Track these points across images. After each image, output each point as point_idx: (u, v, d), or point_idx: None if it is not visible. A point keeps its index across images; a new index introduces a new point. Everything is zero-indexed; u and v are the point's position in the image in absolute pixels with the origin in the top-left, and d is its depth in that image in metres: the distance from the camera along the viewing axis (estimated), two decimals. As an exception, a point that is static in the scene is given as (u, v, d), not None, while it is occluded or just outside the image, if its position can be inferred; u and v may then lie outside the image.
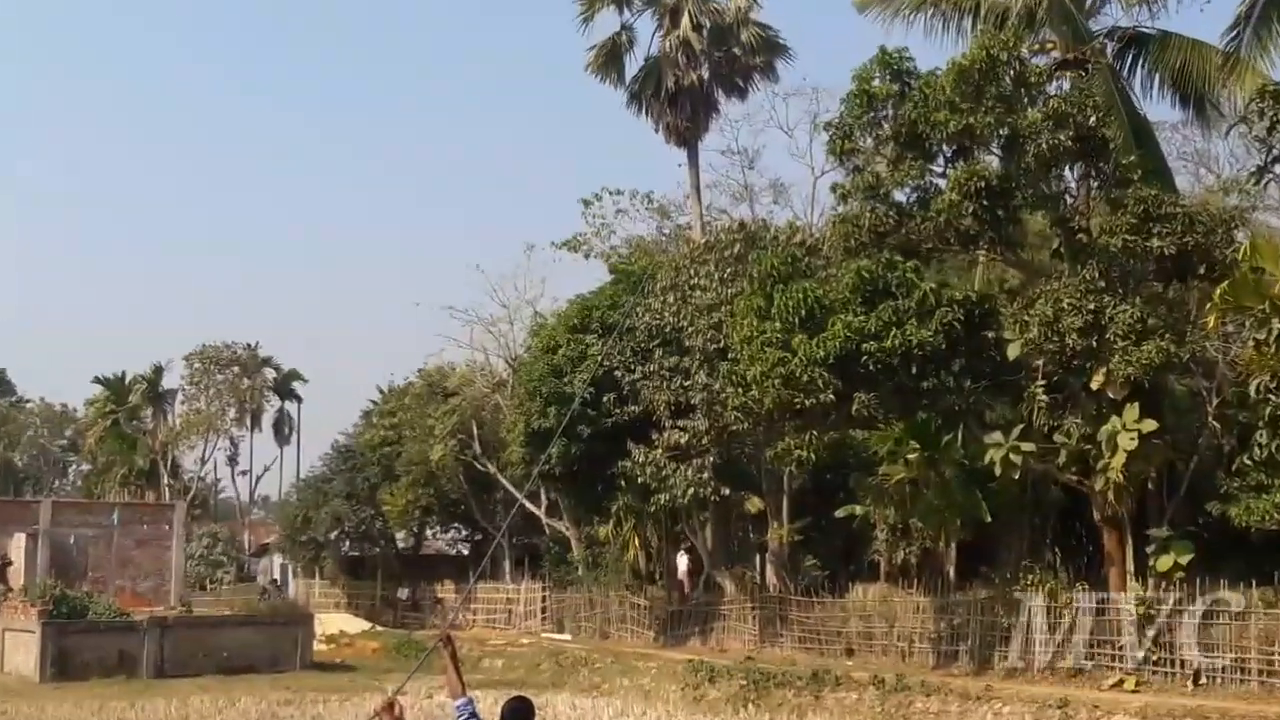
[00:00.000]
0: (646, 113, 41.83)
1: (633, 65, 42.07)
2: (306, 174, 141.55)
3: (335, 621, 46.25)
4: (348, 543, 52.75)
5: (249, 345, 68.06)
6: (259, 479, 77.92)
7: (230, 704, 27.49)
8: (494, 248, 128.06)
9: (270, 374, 70.37)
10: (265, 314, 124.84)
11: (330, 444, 56.52)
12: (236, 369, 66.61)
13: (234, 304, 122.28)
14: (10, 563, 42.13)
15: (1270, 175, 15.81)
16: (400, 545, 53.91)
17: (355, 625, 46.70)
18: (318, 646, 40.31)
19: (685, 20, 40.49)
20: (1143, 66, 30.45)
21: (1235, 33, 27.49)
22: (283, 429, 75.29)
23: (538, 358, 38.74)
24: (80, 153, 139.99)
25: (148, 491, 62.57)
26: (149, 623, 36.84)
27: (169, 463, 66.44)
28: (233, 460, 72.94)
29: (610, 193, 46.88)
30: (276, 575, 60.23)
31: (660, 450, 32.73)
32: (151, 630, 36.43)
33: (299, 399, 74.99)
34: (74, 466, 79.45)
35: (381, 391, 54.56)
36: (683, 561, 37.34)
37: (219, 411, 66.38)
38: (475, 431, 44.44)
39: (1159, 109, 31.06)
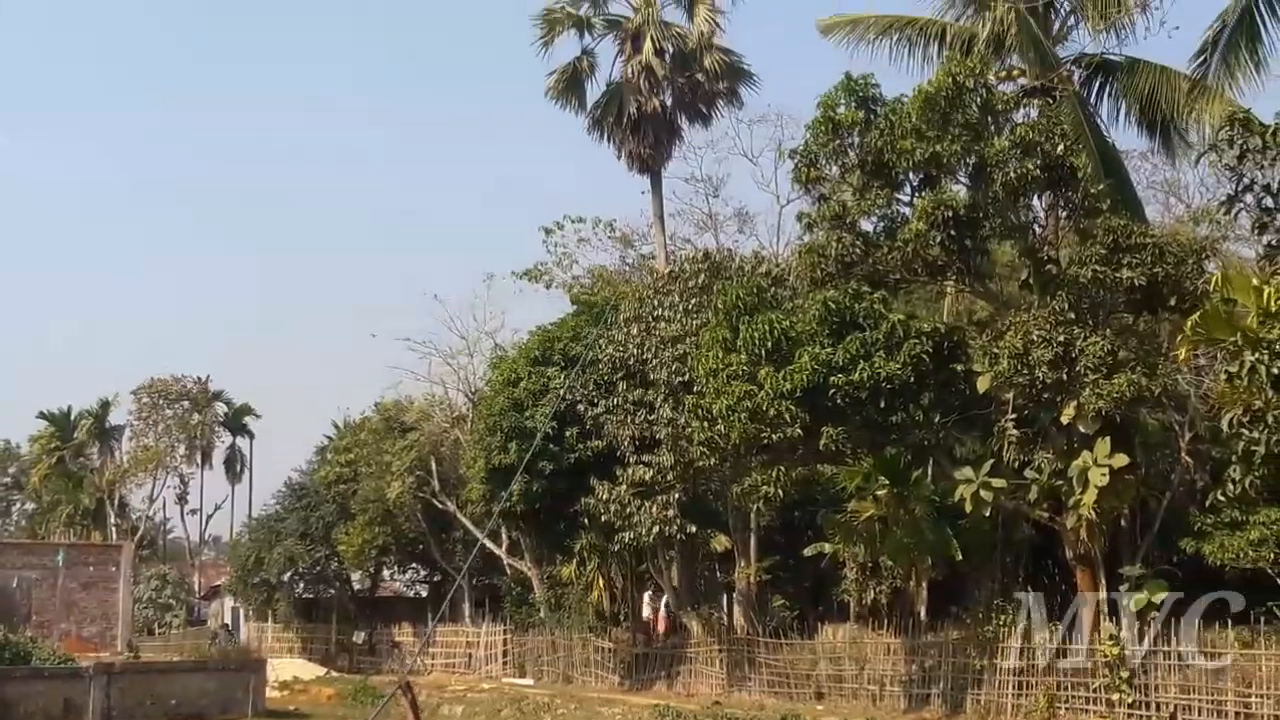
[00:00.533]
0: (608, 139, 41.99)
1: (594, 91, 42.32)
2: (256, 201, 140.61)
3: (289, 667, 45.95)
4: (301, 584, 52.43)
5: (200, 379, 67.95)
6: (209, 518, 77.54)
7: (178, 754, 27.27)
8: (453, 277, 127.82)
9: (221, 409, 70.18)
10: (217, 346, 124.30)
11: (283, 481, 56.21)
12: (186, 404, 66.40)
13: (185, 336, 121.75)
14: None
15: (1241, 205, 15.98)
16: (356, 587, 53.64)
17: (310, 671, 46.41)
18: (271, 693, 40.00)
19: (647, 45, 40.72)
20: (1111, 94, 30.75)
21: (1203, 59, 27.77)
22: (234, 466, 75.00)
23: (498, 391, 38.67)
24: (21, 177, 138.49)
25: (94, 531, 62.14)
26: (95, 669, 36.44)
27: (116, 501, 66.03)
28: (182, 499, 72.51)
29: (572, 221, 47.12)
30: (228, 619, 59.74)
31: (624, 487, 32.69)
32: (98, 678, 36.04)
33: (251, 435, 74.82)
34: (17, 505, 78.73)
35: (336, 427, 54.34)
36: (656, 602, 37.19)
37: (168, 448, 66.11)
38: (434, 468, 44.36)
39: (1127, 137, 31.35)
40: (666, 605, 36.69)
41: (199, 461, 69.75)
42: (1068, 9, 30.07)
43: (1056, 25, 30.13)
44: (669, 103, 41.25)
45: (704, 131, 42.96)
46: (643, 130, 41.11)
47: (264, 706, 38.08)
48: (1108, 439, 23.76)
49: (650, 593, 37.40)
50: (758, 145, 49.30)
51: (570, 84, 42.26)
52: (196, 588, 68.10)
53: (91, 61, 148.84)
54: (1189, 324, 21.31)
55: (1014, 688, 24.97)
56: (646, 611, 37.54)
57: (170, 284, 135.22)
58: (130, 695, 35.95)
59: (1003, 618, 25.91)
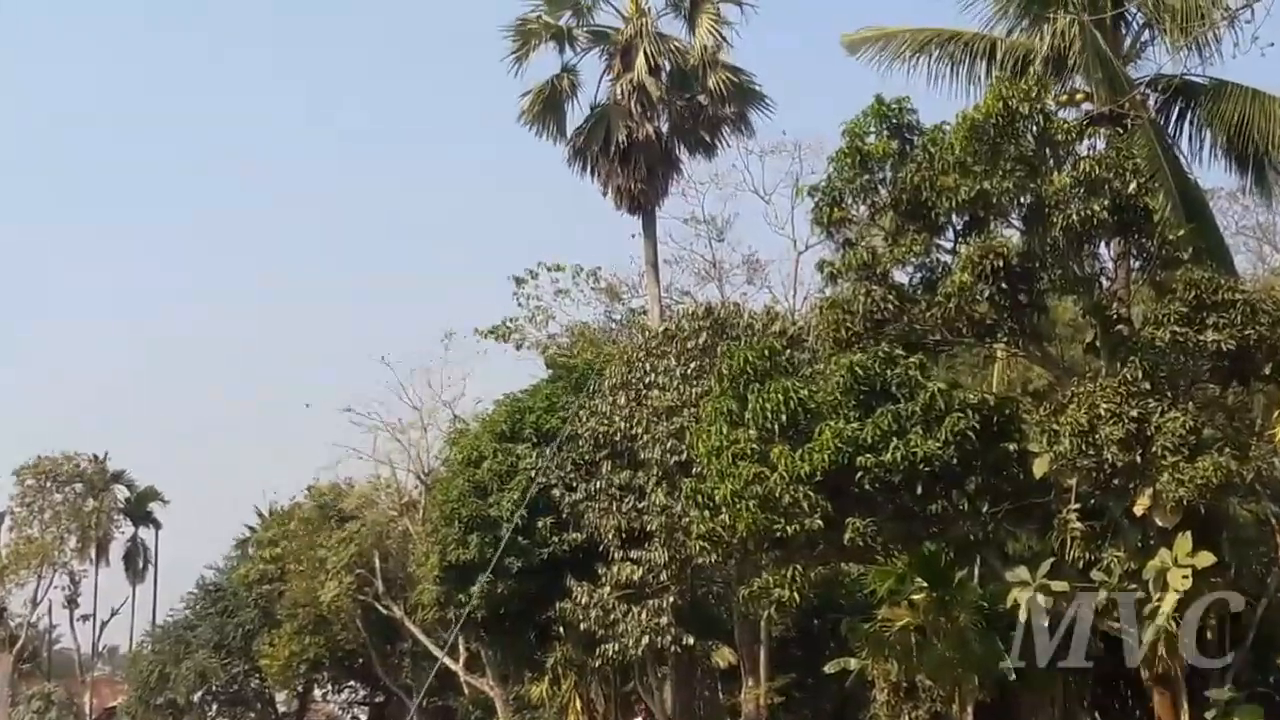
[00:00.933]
0: (593, 172, 42.19)
1: (576, 115, 42.60)
2: (164, 246, 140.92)
3: (198, 805, 45.70)
4: (215, 706, 52.32)
5: (96, 457, 67.72)
6: (105, 625, 76.93)
7: None
8: (405, 334, 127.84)
9: (122, 493, 69.98)
10: (118, 418, 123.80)
11: (195, 581, 56.12)
12: (79, 487, 66.24)
13: (78, 406, 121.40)
14: None
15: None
16: (282, 709, 53.52)
17: (223, 810, 46.17)
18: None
19: (640, 62, 41.01)
20: (1193, 122, 30.97)
21: (1303, 83, 28.14)
22: (136, 562, 74.61)
23: (457, 473, 38.70)
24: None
25: (-36, 640, 61.78)
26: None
27: (-9, 605, 65.65)
28: (72, 601, 71.92)
29: (548, 269, 47.40)
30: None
31: (608, 589, 32.67)
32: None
33: (157, 524, 74.55)
34: None
35: (261, 515, 54.35)
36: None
37: (56, 540, 65.81)
38: (377, 565, 44.28)
39: (1213, 173, 31.54)
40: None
41: (93, 556, 69.37)
42: (1142, 22, 30.36)
43: (1128, 41, 30.41)
44: (665, 129, 41.50)
45: (707, 164, 43.43)
46: (634, 161, 41.28)
47: None
48: (1190, 534, 23.76)
49: (639, 719, 37.28)
50: (771, 180, 49.21)
51: (548, 106, 42.49)
52: (88, 709, 67.50)
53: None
54: (1288, 397, 21.50)
55: (1078, 835, 24.90)
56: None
57: (61, 345, 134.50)
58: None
59: (1065, 749, 25.87)
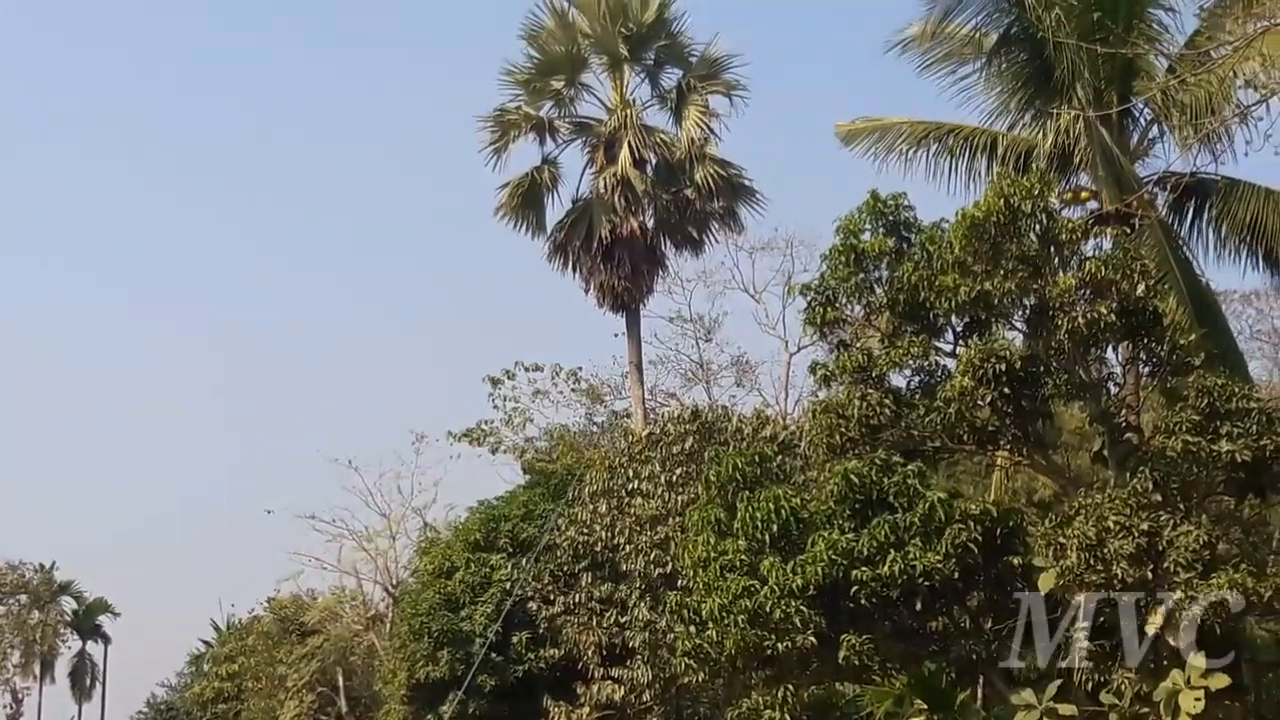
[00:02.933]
0: (574, 269, 42.34)
1: (556, 209, 42.82)
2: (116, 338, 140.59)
3: None
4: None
5: (41, 566, 67.47)
6: (49, 750, 76.28)
7: None
8: (372, 436, 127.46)
9: (69, 605, 69.53)
10: (64, 525, 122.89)
11: (146, 699, 55.79)
12: (24, 598, 65.93)
13: (22, 510, 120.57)
14: None
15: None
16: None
17: None
18: None
19: (624, 154, 41.21)
20: (1205, 222, 31.22)
21: (1318, 183, 28.42)
22: (83, 679, 74.09)
23: (427, 584, 38.56)
24: None
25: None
26: None
27: (-73, 725, 65.11)
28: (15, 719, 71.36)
29: (526, 368, 47.45)
30: None
31: (587, 709, 32.52)
32: None
33: (106, 639, 74.06)
34: None
35: (218, 629, 54.11)
36: None
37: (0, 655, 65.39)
38: (341, 683, 44.03)
39: (1227, 275, 31.81)
40: None
41: (37, 673, 68.92)
42: (1149, 118, 30.70)
43: (1136, 138, 30.71)
44: (651, 225, 41.68)
45: (694, 260, 43.70)
46: (617, 258, 41.40)
47: None
48: (1204, 654, 23.73)
49: None
50: (761, 278, 49.58)
51: (527, 200, 42.70)
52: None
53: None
54: (1307, 510, 21.55)
55: None
56: None
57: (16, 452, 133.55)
58: None
59: None
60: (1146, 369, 26.40)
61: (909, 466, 25.73)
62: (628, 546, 32.20)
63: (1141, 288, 25.57)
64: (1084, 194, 29.16)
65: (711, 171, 41.39)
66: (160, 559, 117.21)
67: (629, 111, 42.15)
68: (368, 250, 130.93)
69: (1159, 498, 24.15)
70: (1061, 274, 25.67)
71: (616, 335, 43.04)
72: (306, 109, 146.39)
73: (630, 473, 33.70)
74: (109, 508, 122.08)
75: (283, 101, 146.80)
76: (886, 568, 24.39)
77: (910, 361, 26.62)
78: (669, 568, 29.88)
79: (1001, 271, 25.49)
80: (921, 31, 32.57)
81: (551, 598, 34.14)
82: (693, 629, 26.51)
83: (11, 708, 69.50)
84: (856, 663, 25.60)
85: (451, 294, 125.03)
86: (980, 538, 24.85)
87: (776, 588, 24.91)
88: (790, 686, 27.56)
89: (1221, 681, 23.44)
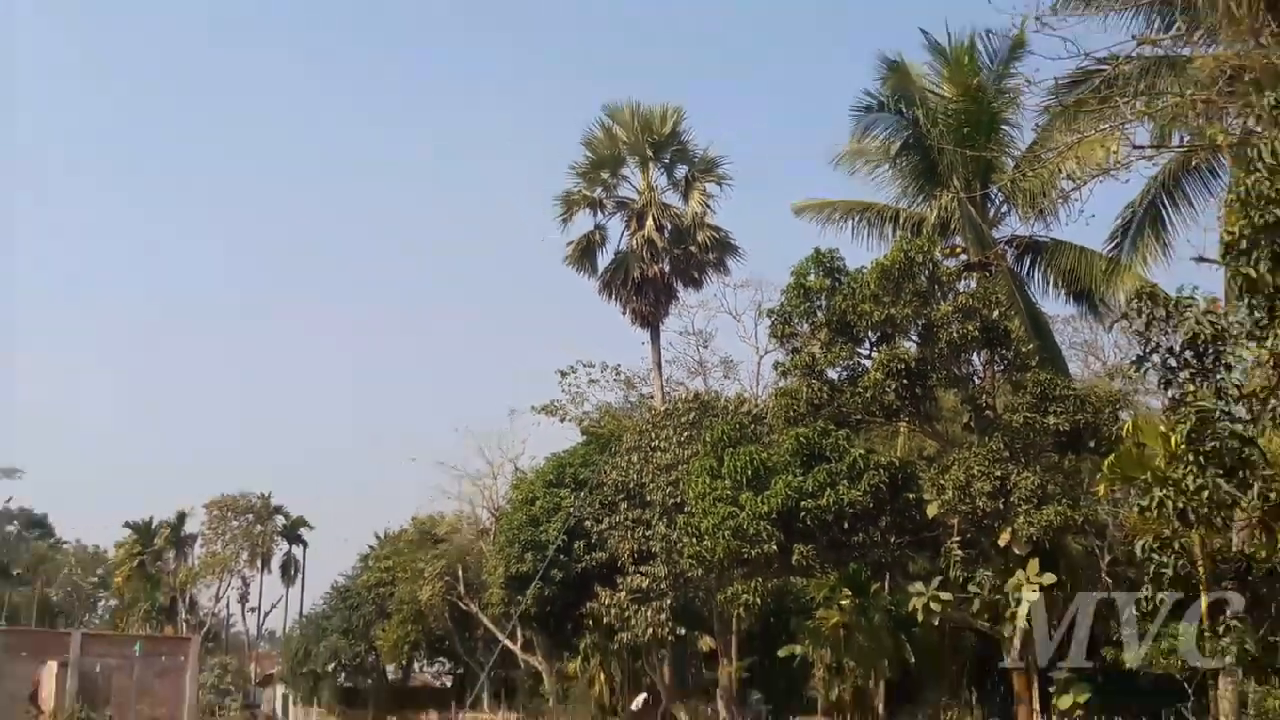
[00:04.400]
0: (616, 299, 42.20)
1: (604, 259, 42.66)
2: (314, 340, 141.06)
3: (330, 748, 45.12)
4: (343, 675, 51.70)
5: (262, 495, 67.58)
6: (266, 615, 76.47)
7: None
8: (482, 410, 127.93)
9: (280, 521, 69.60)
10: (278, 464, 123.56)
11: (331, 584, 55.75)
12: (250, 517, 66.04)
13: (252, 453, 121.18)
14: (36, 689, 41.09)
15: (1148, 364, 16.00)
16: (390, 677, 52.89)
17: (348, 750, 45.54)
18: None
19: (649, 223, 41.20)
20: (1039, 268, 31.06)
21: (1116, 242, 28.21)
22: (289, 570, 74.08)
23: (517, 509, 38.49)
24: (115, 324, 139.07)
25: (167, 625, 61.38)
26: (162, 748, 35.81)
27: (187, 600, 65.36)
28: (243, 598, 71.48)
29: (584, 365, 47.30)
30: (278, 705, 58.75)
31: (624, 593, 32.42)
32: (165, 753, 35.40)
33: (305, 543, 74.00)
34: (103, 602, 77.83)
35: (378, 538, 54.06)
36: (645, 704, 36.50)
37: (233, 555, 65.58)
38: (460, 574, 43.96)
39: (1053, 305, 31.59)
40: (645, 701, 35.97)
41: (259, 566, 68.97)
42: (1002, 199, 30.52)
43: (992, 212, 30.56)
44: (667, 270, 41.53)
45: (696, 293, 43.31)
46: (644, 292, 41.34)
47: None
48: (1037, 560, 23.55)
49: (643, 695, 36.60)
50: (741, 305, 49.71)
51: (585, 253, 42.61)
52: (252, 676, 66.76)
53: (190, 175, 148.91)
54: (1106, 464, 21.18)
55: (959, 776, 24.44)
56: (638, 703, 36.78)
57: (241, 402, 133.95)
58: (193, 769, 35.28)
59: (950, 714, 25.47)
60: (999, 368, 26.36)
61: (840, 432, 25.77)
62: (651, 484, 32.17)
63: (996, 313, 25.51)
64: (957, 250, 28.98)
65: (708, 235, 41.33)
66: (341, 489, 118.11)
67: (652, 194, 42.07)
68: (483, 280, 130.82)
69: (1007, 454, 24.21)
70: (942, 304, 25.64)
71: (643, 344, 42.87)
72: (451, 197, 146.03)
73: (653, 435, 33.67)
74: (308, 451, 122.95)
75: (446, 194, 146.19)
76: (824, 500, 24.36)
77: (840, 362, 26.61)
78: (679, 499, 29.78)
79: (901, 302, 25.49)
80: (851, 147, 32.61)
81: (599, 518, 34.13)
82: (694, 540, 26.45)
83: (242, 589, 69.75)
84: (804, 564, 25.55)
85: (536, 314, 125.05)
86: (887, 480, 24.89)
87: (751, 513, 24.86)
88: (760, 579, 27.55)
89: (1049, 579, 23.33)
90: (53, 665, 41.81)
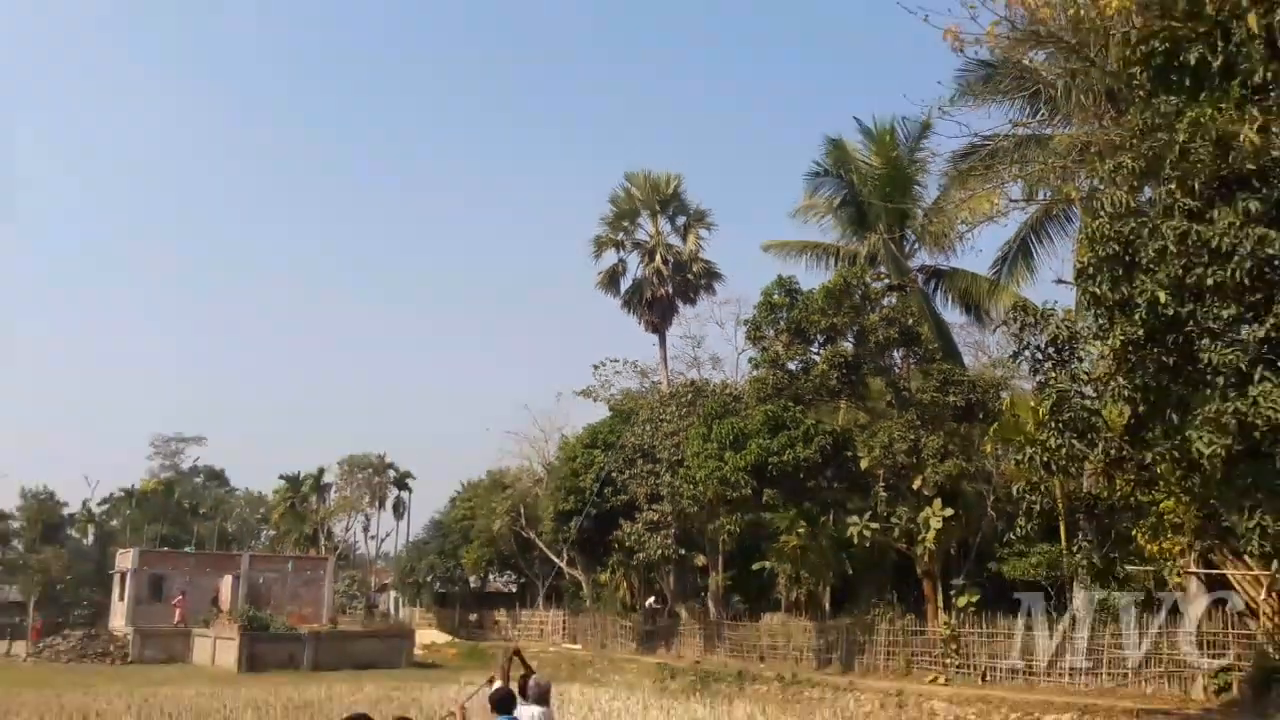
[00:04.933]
0: (633, 313, 42.26)
1: (625, 284, 42.73)
2: (413, 336, 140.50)
3: (428, 635, 45.20)
4: (438, 583, 51.79)
5: (380, 455, 67.55)
6: (382, 542, 76.28)
7: (359, 689, 26.75)
8: (537, 392, 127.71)
9: (392, 474, 69.60)
10: (395, 430, 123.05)
11: (429, 519, 55.85)
12: (370, 470, 66.03)
13: (374, 422, 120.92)
14: (217, 595, 41.41)
15: (1022, 357, 16.03)
16: (472, 585, 52.94)
17: (442, 638, 45.62)
18: (417, 652, 39.36)
19: (658, 258, 41.26)
20: (941, 289, 31.09)
21: (997, 269, 28.19)
22: (399, 509, 73.85)
23: (563, 464, 38.57)
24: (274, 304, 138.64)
25: (311, 549, 61.54)
26: (308, 635, 36.03)
27: (325, 531, 65.48)
28: (366, 529, 71.55)
29: (611, 361, 47.27)
30: (391, 605, 58.95)
31: (640, 525, 32.53)
32: (310, 640, 35.63)
33: (410, 490, 73.77)
34: (264, 533, 77.96)
35: (463, 485, 54.10)
36: (655, 604, 36.55)
37: (358, 498, 65.65)
38: (522, 512, 44.01)
39: (952, 315, 31.63)
40: (654, 603, 36.04)
41: (377, 507, 68.95)
42: (914, 238, 30.58)
43: (907, 248, 30.61)
44: (670, 292, 41.55)
45: (691, 309, 43.31)
46: (654, 308, 41.40)
47: (412, 660, 37.45)
48: (941, 499, 23.63)
49: (654, 597, 36.72)
50: (724, 317, 49.71)
51: (610, 280, 42.66)
52: (372, 585, 66.95)
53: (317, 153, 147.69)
54: (991, 430, 21.36)
55: (885, 654, 24.48)
56: (649, 602, 36.92)
57: (364, 382, 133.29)
58: (329, 651, 35.49)
59: (877, 610, 25.51)
60: (913, 361, 26.42)
61: (797, 408, 25.89)
62: (659, 446, 32.28)
63: (910, 321, 25.57)
64: (882, 276, 28.92)
65: (700, 266, 41.37)
66: (436, 450, 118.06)
67: (660, 237, 42.10)
68: (539, 298, 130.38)
69: (919, 423, 24.29)
70: (871, 315, 25.75)
71: (653, 345, 42.93)
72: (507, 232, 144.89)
73: (661, 411, 33.78)
74: (417, 425, 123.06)
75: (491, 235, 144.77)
76: (786, 457, 24.46)
77: (797, 357, 26.74)
78: (680, 456, 29.88)
79: (841, 313, 25.61)
80: (804, 202, 32.71)
81: (622, 471, 34.20)
82: (691, 486, 26.63)
83: (365, 523, 69.85)
84: (771, 503, 25.73)
85: (576, 322, 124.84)
86: (832, 443, 24.97)
87: (732, 466, 25.00)
88: (739, 514, 27.65)
89: (949, 513, 23.42)
90: (229, 578, 42.08)
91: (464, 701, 9.35)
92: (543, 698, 8.88)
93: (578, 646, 38.29)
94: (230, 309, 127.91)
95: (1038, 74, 21.29)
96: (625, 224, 42.88)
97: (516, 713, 8.37)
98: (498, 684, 8.60)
